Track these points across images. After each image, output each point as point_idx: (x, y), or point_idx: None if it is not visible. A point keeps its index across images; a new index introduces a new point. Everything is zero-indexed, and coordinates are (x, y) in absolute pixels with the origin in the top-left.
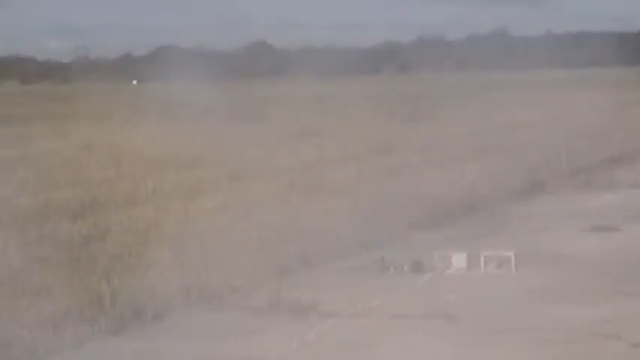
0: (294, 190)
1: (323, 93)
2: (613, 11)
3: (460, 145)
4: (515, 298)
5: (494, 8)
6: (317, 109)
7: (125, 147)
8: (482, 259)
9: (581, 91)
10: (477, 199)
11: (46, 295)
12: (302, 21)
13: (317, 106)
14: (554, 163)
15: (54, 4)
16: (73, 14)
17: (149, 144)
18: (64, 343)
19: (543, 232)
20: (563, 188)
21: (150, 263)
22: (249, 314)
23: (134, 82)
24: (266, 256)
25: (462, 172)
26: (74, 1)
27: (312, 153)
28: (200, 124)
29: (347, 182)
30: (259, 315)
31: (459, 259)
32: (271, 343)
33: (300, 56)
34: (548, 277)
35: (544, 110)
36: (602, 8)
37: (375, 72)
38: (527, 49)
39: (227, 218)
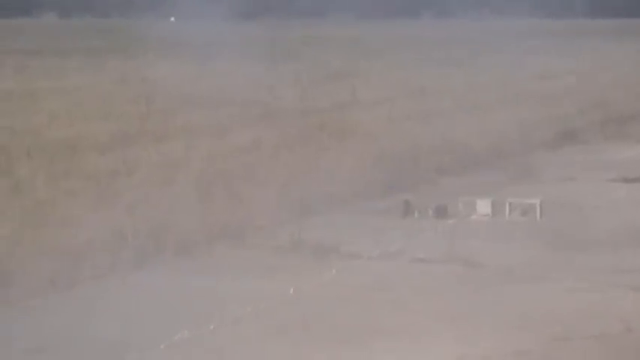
0: (323, 131)
1: (360, 35)
2: None
3: (493, 92)
4: (538, 246)
5: None
6: (353, 51)
7: (158, 83)
8: (507, 205)
9: (619, 41)
10: (507, 147)
11: (69, 228)
12: None
13: (353, 48)
14: (587, 113)
15: None
16: None
17: (182, 81)
18: (85, 276)
19: (571, 181)
20: (595, 138)
21: (175, 199)
22: (270, 253)
23: (172, 19)
24: (291, 195)
25: (493, 118)
26: None
27: (344, 95)
28: (235, 62)
29: (376, 125)
30: (280, 254)
31: (483, 206)
32: (289, 282)
33: None
34: (574, 226)
35: (580, 59)
36: None
37: (414, 16)
38: None
39: (255, 157)
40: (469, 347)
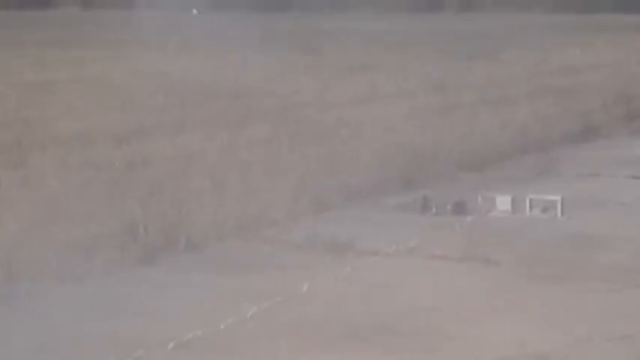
0: (342, 124)
1: (382, 29)
2: None
3: (516, 86)
4: (559, 244)
5: None
6: (375, 44)
7: (177, 75)
8: (527, 202)
9: None
10: (529, 142)
11: (79, 221)
12: None
13: (375, 41)
14: (611, 108)
15: None
16: None
17: (201, 73)
18: (93, 270)
19: (594, 177)
20: (619, 134)
21: (189, 192)
22: (284, 248)
23: (194, 11)
24: (307, 189)
25: (515, 113)
26: None
27: (365, 88)
28: (255, 55)
29: (396, 119)
30: (295, 250)
31: (503, 202)
32: (303, 279)
33: None
34: (596, 224)
35: (606, 54)
36: None
37: (437, 9)
38: None
39: (272, 149)
40: (486, 350)
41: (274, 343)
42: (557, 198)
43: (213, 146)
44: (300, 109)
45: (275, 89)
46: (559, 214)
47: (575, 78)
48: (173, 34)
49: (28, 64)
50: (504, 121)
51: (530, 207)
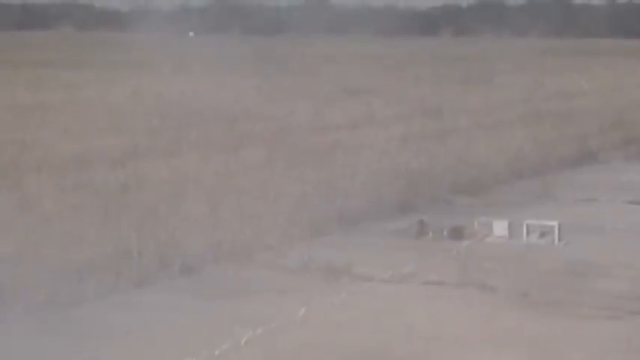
0: (338, 147)
1: (379, 53)
2: None
3: (512, 110)
4: (556, 270)
5: None
6: (372, 68)
7: (172, 97)
8: (524, 227)
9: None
10: (525, 166)
11: (74, 243)
12: None
13: (372, 65)
14: (608, 133)
15: None
16: None
17: (196, 95)
18: (87, 294)
19: (590, 202)
20: (615, 159)
21: (183, 215)
22: (280, 273)
23: (190, 33)
24: (303, 213)
25: (511, 137)
26: None
27: (362, 111)
28: (251, 78)
29: (393, 142)
30: (290, 274)
31: (500, 227)
32: (299, 304)
33: (359, 15)
34: (593, 250)
35: (601, 78)
36: None
37: (433, 34)
38: (587, 18)
39: (267, 173)
40: None
41: None
42: (555, 223)
43: (209, 169)
44: (296, 132)
45: (271, 112)
46: (556, 239)
47: (571, 102)
48: (169, 56)
49: (24, 85)
50: (500, 145)
51: (528, 232)
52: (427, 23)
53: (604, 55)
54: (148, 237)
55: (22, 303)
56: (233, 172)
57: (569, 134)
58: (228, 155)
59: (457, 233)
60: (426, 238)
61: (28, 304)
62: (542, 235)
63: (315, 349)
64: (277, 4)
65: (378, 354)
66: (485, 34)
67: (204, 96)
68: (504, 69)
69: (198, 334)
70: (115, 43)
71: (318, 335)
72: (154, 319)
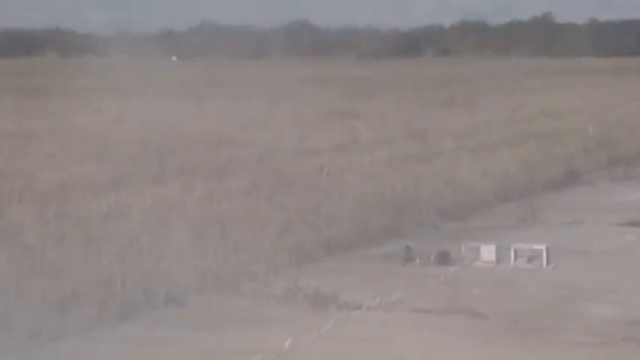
0: (322, 172)
1: (362, 74)
2: None
3: (496, 132)
4: (545, 295)
5: None
6: (355, 90)
7: (156, 123)
8: (512, 252)
9: (623, 80)
10: (511, 189)
11: (56, 275)
12: (344, 1)
13: (355, 87)
14: (592, 153)
15: None
16: None
17: (180, 121)
18: (69, 329)
19: (577, 225)
20: (600, 179)
21: (168, 244)
22: (265, 302)
23: (173, 57)
24: (288, 241)
25: (496, 159)
26: None
27: (345, 135)
28: (234, 102)
29: (377, 166)
30: (276, 304)
31: (487, 252)
32: (286, 334)
33: (341, 37)
34: (581, 274)
35: (584, 98)
36: None
37: (416, 55)
38: (569, 37)
39: (252, 199)
40: None
41: None
42: (542, 247)
43: (193, 196)
44: (280, 157)
45: (254, 137)
46: (544, 264)
47: (555, 122)
48: (152, 81)
49: (7, 113)
50: (486, 167)
51: (515, 257)
52: (410, 44)
53: (587, 74)
54: (131, 267)
55: (2, 338)
56: (217, 199)
57: (554, 155)
58: (212, 182)
59: (444, 258)
60: (413, 263)
61: (8, 339)
62: (530, 259)
63: None
64: (260, 26)
65: None
66: (469, 55)
67: (187, 121)
68: (488, 89)
69: None
70: (99, 68)
71: None
72: (138, 352)
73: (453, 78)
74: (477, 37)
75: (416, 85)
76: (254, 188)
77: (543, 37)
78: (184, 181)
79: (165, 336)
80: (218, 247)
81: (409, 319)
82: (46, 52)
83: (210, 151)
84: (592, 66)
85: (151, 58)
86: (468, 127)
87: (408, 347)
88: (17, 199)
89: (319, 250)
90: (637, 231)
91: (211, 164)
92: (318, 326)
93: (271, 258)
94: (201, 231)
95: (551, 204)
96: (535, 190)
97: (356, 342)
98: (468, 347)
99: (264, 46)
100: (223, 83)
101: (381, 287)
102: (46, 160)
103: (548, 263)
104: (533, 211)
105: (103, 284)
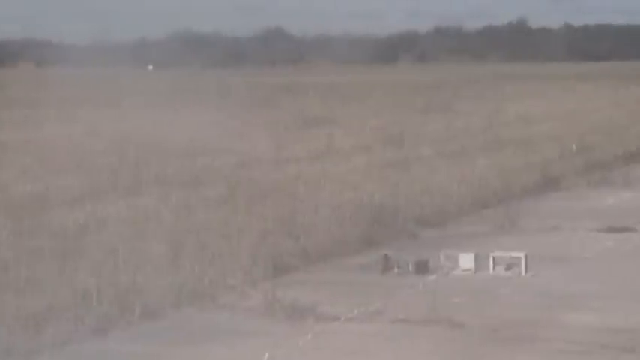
0: (299, 181)
1: (338, 81)
2: (633, 5)
3: (473, 138)
4: (524, 303)
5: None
6: (331, 97)
7: (132, 134)
8: (491, 259)
9: (598, 85)
10: (488, 196)
11: (30, 289)
12: (319, 8)
13: (331, 94)
14: (569, 158)
15: None
16: None
17: (156, 131)
18: (44, 343)
19: (555, 231)
20: (578, 185)
21: (144, 257)
22: (243, 315)
23: (149, 67)
24: (265, 251)
25: (474, 166)
26: None
27: (322, 143)
28: (210, 111)
29: (354, 174)
30: (254, 316)
31: (466, 260)
32: (263, 348)
33: (317, 44)
34: (561, 281)
35: (560, 103)
36: (622, 2)
37: (392, 61)
38: (545, 42)
39: (228, 210)
40: None
41: None
42: (521, 254)
43: (169, 208)
44: (256, 166)
45: (231, 146)
46: (523, 271)
47: (531, 128)
48: (128, 91)
49: None
50: (463, 174)
51: (494, 264)
52: (386, 51)
53: (562, 79)
54: (107, 280)
55: None
56: (193, 210)
57: (531, 161)
58: (188, 192)
59: (423, 267)
60: (391, 272)
61: None
62: (509, 267)
63: None
64: (236, 35)
65: None
66: (444, 60)
67: (163, 131)
68: (464, 95)
69: None
70: (75, 78)
71: None
72: None
73: (430, 84)
74: (452, 43)
75: (392, 92)
76: (230, 198)
77: (518, 42)
78: (160, 192)
79: (141, 350)
80: (194, 259)
81: (388, 329)
82: (22, 63)
83: (186, 160)
84: (567, 71)
85: (126, 68)
86: (445, 134)
87: (388, 359)
88: None
89: (297, 261)
90: (615, 237)
91: (187, 174)
92: (296, 339)
93: (248, 269)
94: (178, 242)
95: (529, 210)
96: (513, 197)
97: (335, 354)
98: (448, 357)
99: (239, 54)
100: (198, 92)
101: (360, 297)
102: (21, 172)
103: (527, 271)
104: (511, 218)
105: (79, 298)
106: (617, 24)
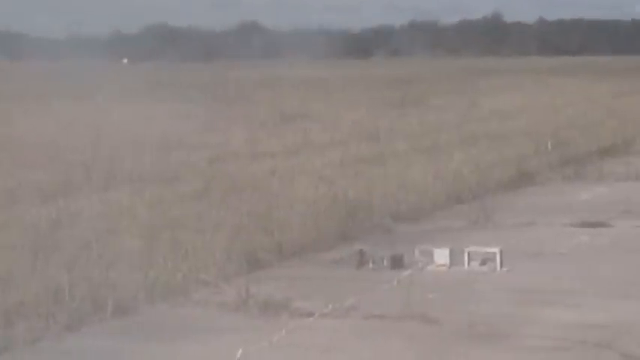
0: (274, 176)
1: (313, 76)
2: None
3: (448, 133)
4: (499, 299)
5: None
6: (306, 92)
7: (107, 127)
8: (465, 255)
9: (572, 79)
10: (464, 190)
11: (1, 285)
12: (294, 2)
13: (306, 89)
14: (544, 153)
15: None
16: None
17: (131, 125)
18: (15, 340)
19: (530, 226)
20: (552, 180)
21: (117, 252)
22: (216, 311)
23: (124, 60)
24: (239, 247)
25: (448, 160)
26: None
27: (297, 138)
28: (185, 105)
29: (330, 169)
30: (227, 312)
31: (441, 255)
32: (237, 344)
33: (292, 38)
34: (536, 276)
35: (535, 98)
36: None
37: (367, 55)
38: (519, 36)
39: (202, 205)
40: None
41: None
42: (496, 250)
43: (142, 202)
44: (232, 161)
45: (206, 140)
46: (498, 266)
47: (506, 123)
48: (102, 84)
49: None
50: (437, 169)
51: (469, 260)
52: (361, 45)
53: (536, 73)
54: (79, 276)
55: None
56: (167, 205)
57: (506, 156)
58: (163, 187)
59: (398, 262)
60: (366, 268)
61: None
62: (484, 262)
63: None
64: (211, 29)
65: None
66: (419, 55)
67: (138, 125)
68: (439, 90)
69: None
70: (49, 72)
71: None
72: None
73: (404, 78)
74: (427, 37)
75: (367, 86)
76: (205, 193)
77: (493, 36)
78: (134, 187)
79: (113, 347)
80: (168, 255)
81: (363, 325)
82: None
83: (161, 155)
84: (542, 65)
85: (101, 61)
86: (420, 128)
87: (362, 355)
88: None
89: (271, 256)
90: (590, 231)
91: (161, 169)
92: (270, 335)
93: (222, 265)
94: (151, 237)
95: (504, 205)
96: (487, 192)
97: (308, 350)
98: (423, 353)
99: (214, 48)
100: (174, 86)
101: (334, 293)
102: None
103: (502, 266)
104: (486, 213)
105: (51, 294)
106: (592, 19)
